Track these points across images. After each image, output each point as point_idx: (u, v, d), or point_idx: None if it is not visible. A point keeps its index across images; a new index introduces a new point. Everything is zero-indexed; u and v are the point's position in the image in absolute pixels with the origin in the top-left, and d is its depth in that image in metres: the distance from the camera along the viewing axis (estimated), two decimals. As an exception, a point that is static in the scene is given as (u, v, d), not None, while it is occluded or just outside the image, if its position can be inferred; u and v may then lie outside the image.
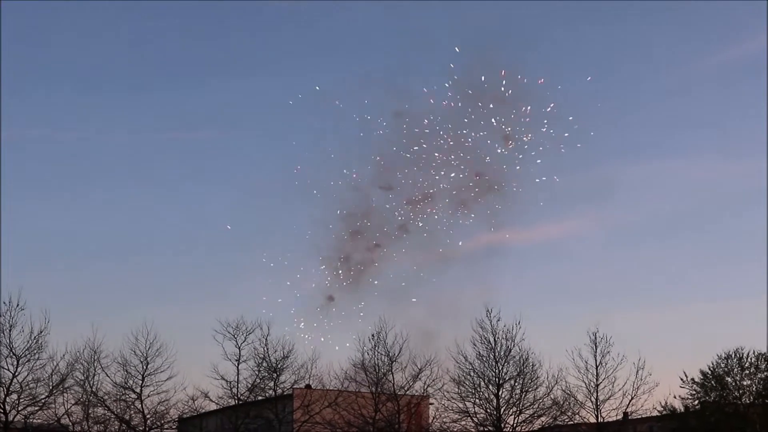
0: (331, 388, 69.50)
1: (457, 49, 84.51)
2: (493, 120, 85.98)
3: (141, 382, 66.35)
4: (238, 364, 67.84)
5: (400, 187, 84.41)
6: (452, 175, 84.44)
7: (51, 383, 64.58)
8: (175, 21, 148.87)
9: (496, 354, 68.25)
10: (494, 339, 68.42)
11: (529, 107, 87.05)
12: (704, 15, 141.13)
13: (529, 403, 68.35)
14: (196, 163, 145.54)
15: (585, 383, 69.07)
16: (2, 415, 62.66)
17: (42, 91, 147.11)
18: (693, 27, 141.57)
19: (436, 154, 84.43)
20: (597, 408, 68.81)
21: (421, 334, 77.21)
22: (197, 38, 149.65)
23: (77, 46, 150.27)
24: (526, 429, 68.89)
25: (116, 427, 66.91)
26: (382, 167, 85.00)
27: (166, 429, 68.46)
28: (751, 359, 75.29)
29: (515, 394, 68.22)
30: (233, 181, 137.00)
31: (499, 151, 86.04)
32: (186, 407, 67.74)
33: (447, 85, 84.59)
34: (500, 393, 67.92)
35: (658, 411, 73.24)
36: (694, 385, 75.78)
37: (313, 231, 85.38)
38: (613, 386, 68.85)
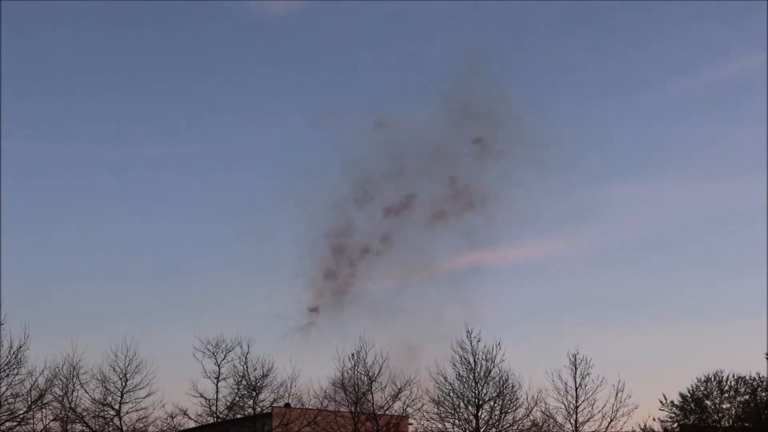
0: (310, 407, 69.38)
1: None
2: (475, 136, 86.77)
3: (120, 398, 65.94)
4: (218, 382, 67.67)
5: (380, 199, 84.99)
6: (432, 187, 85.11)
7: (30, 399, 64.29)
8: (163, 34, 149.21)
9: (476, 375, 68.25)
10: (474, 360, 68.53)
11: (512, 125, 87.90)
12: (679, 39, 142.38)
13: (508, 425, 68.29)
14: (180, 179, 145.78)
15: (564, 405, 69.03)
16: (-20, 430, 62.48)
17: (27, 103, 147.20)
18: (671, 50, 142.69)
19: (416, 166, 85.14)
20: (576, 430, 68.77)
21: (403, 349, 77.50)
22: (184, 52, 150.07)
23: (63, 56, 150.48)
24: (505, 450, 68.87)
25: (94, 443, 66.73)
26: (362, 180, 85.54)
27: (145, 446, 68.27)
28: (730, 382, 75.75)
29: (495, 415, 68.18)
30: (215, 199, 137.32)
31: (480, 168, 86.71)
32: (165, 425, 67.44)
33: (431, 99, 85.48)
34: (480, 414, 67.86)
35: (638, 433, 73.47)
36: (674, 408, 76.18)
37: (296, 248, 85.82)
38: (592, 408, 68.77)
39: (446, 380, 68.36)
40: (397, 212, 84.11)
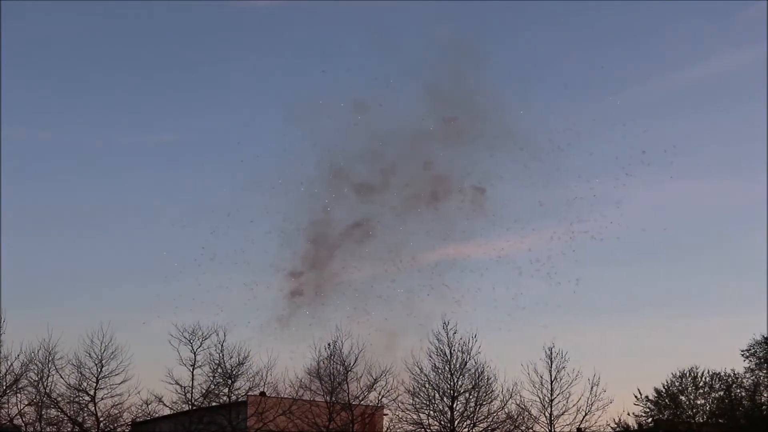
0: (285, 396, 69.42)
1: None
2: (454, 125, 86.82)
3: (95, 384, 66.13)
4: (193, 370, 67.73)
5: (357, 187, 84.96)
6: (411, 177, 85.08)
7: (4, 383, 64.62)
8: (144, 22, 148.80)
9: (452, 366, 68.43)
10: (450, 351, 68.68)
11: (495, 117, 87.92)
12: (669, 35, 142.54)
13: (483, 417, 68.43)
14: (155, 167, 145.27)
15: (539, 398, 69.24)
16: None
17: (17, 89, 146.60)
18: (654, 47, 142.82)
19: (393, 154, 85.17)
20: (551, 423, 68.96)
21: (380, 340, 77.64)
22: (161, 40, 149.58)
23: (47, 42, 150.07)
24: (480, 442, 69.05)
25: (69, 429, 66.66)
26: (339, 168, 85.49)
27: (119, 432, 68.35)
28: (705, 378, 76.08)
29: (470, 407, 68.31)
30: (194, 187, 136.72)
31: (460, 159, 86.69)
32: (139, 411, 67.56)
33: (412, 88, 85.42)
34: (455, 405, 67.96)
35: (612, 428, 73.68)
36: (648, 403, 76.50)
37: (273, 237, 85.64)
38: (567, 402, 68.92)
39: (422, 371, 68.63)
40: (376, 194, 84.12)
